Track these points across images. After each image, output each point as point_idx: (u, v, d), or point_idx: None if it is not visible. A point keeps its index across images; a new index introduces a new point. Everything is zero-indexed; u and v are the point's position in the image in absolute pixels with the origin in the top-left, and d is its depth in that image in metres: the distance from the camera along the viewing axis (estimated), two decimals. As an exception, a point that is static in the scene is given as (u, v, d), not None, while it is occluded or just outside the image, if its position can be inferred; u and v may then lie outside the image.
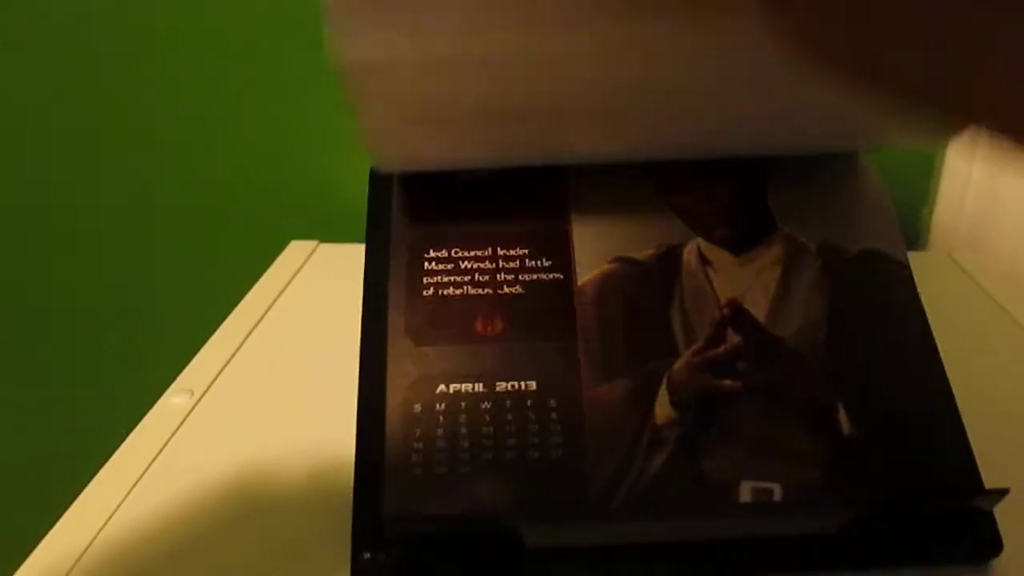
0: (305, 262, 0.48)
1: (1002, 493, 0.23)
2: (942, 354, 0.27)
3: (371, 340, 0.26)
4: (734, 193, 0.28)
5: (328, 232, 0.52)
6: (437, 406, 0.25)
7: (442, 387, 0.25)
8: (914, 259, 0.29)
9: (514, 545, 0.24)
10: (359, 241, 0.28)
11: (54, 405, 0.66)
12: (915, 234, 0.54)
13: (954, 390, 0.26)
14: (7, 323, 0.63)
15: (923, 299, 0.28)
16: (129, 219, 0.58)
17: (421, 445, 0.24)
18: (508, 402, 0.25)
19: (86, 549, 0.26)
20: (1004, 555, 0.25)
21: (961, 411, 0.26)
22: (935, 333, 0.27)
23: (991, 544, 0.25)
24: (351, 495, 0.24)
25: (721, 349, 0.26)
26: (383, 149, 0.25)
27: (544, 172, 0.28)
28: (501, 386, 0.25)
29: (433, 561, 0.24)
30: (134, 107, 0.55)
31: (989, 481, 0.25)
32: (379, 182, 0.29)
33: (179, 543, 0.27)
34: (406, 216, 0.28)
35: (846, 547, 0.25)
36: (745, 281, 0.27)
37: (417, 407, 0.25)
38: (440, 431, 0.25)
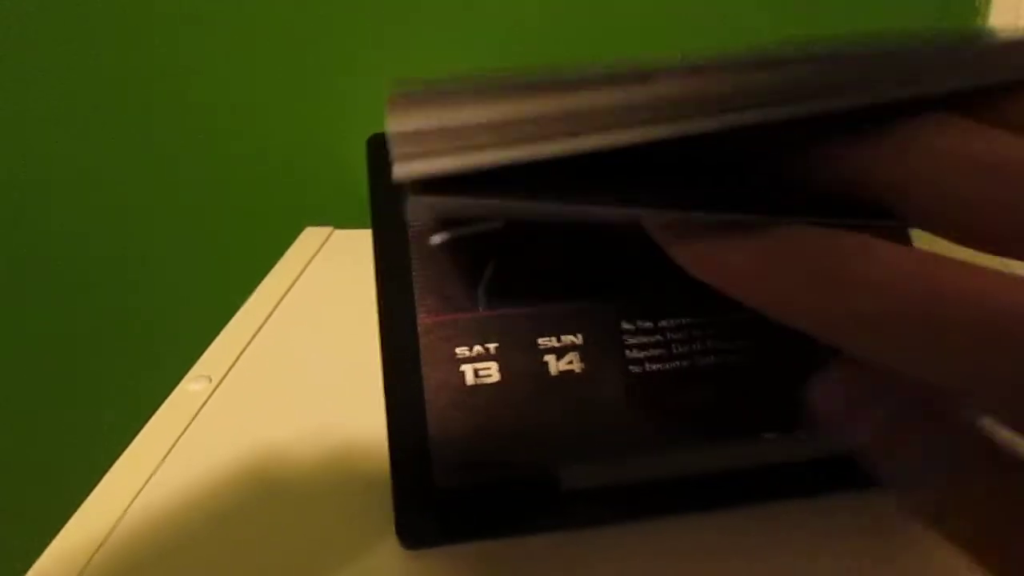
0: (320, 248, 0.48)
1: None
2: None
3: (396, 305, 0.26)
4: None
5: (342, 218, 0.52)
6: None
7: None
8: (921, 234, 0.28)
9: (554, 489, 0.25)
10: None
11: (72, 393, 0.66)
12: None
13: None
14: (25, 309, 0.63)
15: None
16: (144, 206, 0.59)
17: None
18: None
19: (107, 536, 0.26)
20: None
21: None
22: None
23: None
24: (376, 474, 0.25)
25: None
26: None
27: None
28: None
29: (475, 514, 0.25)
30: (148, 93, 0.55)
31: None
32: (380, 150, 0.29)
33: (200, 529, 0.27)
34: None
35: (844, 468, 0.25)
36: None
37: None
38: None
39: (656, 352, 0.25)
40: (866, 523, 0.26)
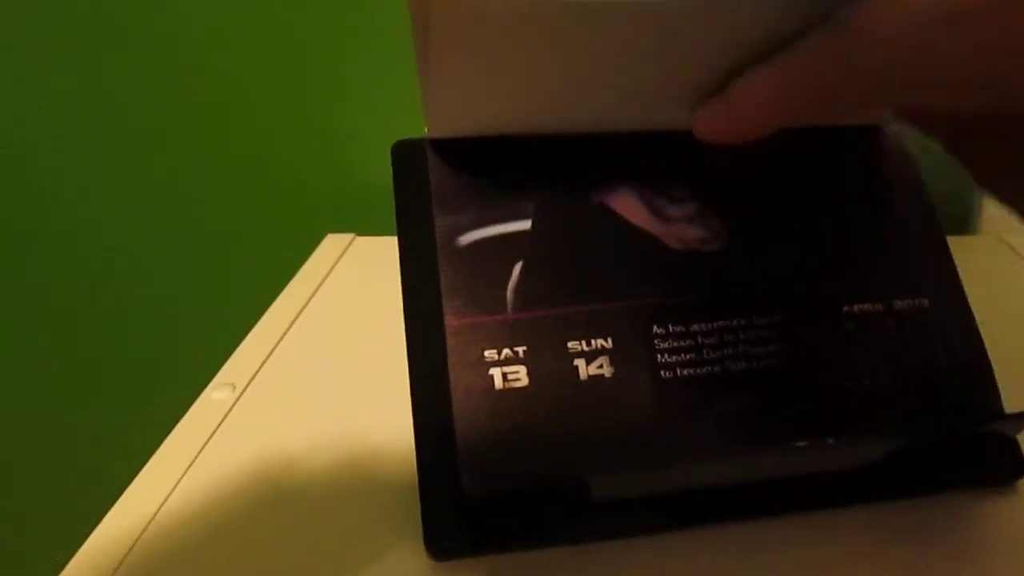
0: (342, 255, 0.48)
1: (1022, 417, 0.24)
2: (992, 339, 0.27)
3: (422, 308, 0.26)
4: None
5: (364, 225, 0.52)
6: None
7: (507, 351, 0.25)
8: (965, 242, 0.29)
9: (583, 499, 0.24)
10: (395, 234, 0.28)
11: (97, 402, 0.67)
12: (965, 217, 0.52)
13: (1004, 375, 0.27)
14: (51, 316, 0.64)
15: (975, 283, 0.28)
16: (168, 213, 0.59)
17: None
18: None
19: (133, 544, 0.26)
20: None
21: (1009, 393, 0.26)
22: (986, 316, 0.27)
23: (1015, 466, 0.27)
24: (403, 483, 0.24)
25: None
26: (445, 101, 0.24)
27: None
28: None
29: (504, 525, 0.25)
30: (170, 103, 0.55)
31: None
32: (404, 156, 0.28)
33: (225, 538, 0.26)
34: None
35: (876, 479, 0.26)
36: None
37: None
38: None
39: (688, 357, 0.25)
40: (901, 535, 0.25)
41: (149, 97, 0.55)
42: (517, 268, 0.26)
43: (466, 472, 0.24)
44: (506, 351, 0.25)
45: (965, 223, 0.52)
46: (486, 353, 0.25)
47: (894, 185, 0.28)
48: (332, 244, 0.50)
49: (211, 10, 0.52)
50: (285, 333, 0.40)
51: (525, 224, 0.26)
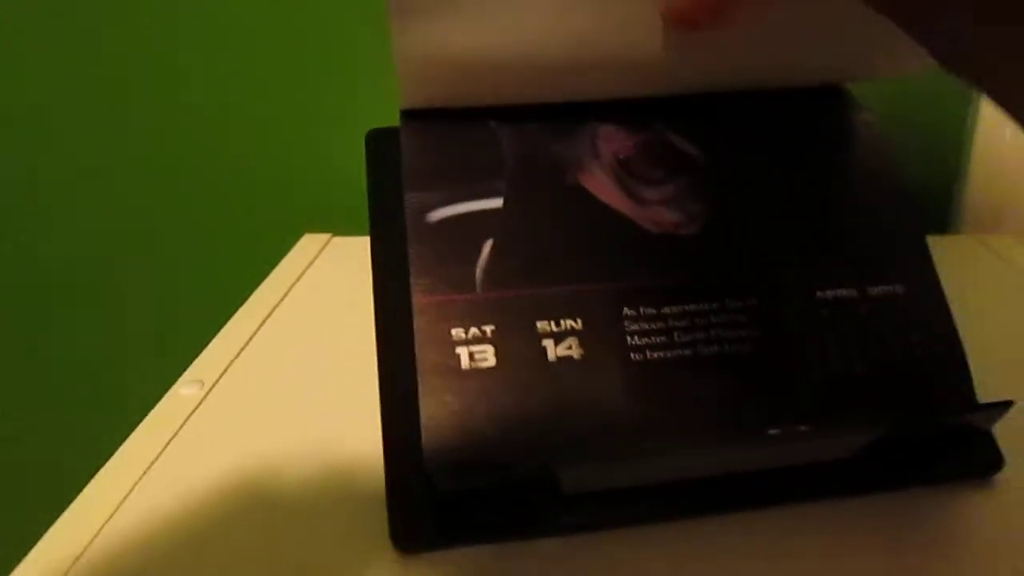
0: (318, 255, 0.48)
1: (1000, 408, 0.23)
2: (972, 342, 0.27)
3: (391, 286, 0.26)
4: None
5: (342, 225, 0.51)
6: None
7: (475, 330, 0.24)
8: (945, 242, 0.28)
9: (554, 490, 0.24)
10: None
11: (62, 396, 0.66)
12: (945, 217, 0.52)
13: (985, 379, 0.26)
14: (17, 312, 0.63)
15: (952, 282, 0.28)
16: (143, 209, 0.58)
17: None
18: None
19: (90, 542, 0.25)
20: (1007, 470, 0.26)
21: (990, 398, 0.26)
22: (962, 315, 0.27)
23: (991, 460, 0.26)
24: (372, 482, 0.24)
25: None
26: (418, 67, 0.24)
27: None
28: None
29: (473, 517, 0.24)
30: (145, 97, 0.54)
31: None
32: (378, 144, 0.28)
33: (186, 538, 0.26)
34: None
35: (850, 472, 0.26)
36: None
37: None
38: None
39: (658, 340, 0.24)
40: (873, 531, 0.25)
41: (126, 97, 0.54)
42: (487, 246, 0.25)
43: (431, 460, 0.23)
44: (473, 330, 0.24)
45: (944, 223, 0.52)
46: (453, 332, 0.24)
47: (871, 171, 0.28)
48: (308, 244, 0.49)
49: (188, 10, 0.51)
50: (257, 330, 0.39)
51: (497, 202, 0.26)
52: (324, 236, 0.50)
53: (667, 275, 0.25)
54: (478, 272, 0.25)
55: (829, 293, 0.26)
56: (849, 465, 0.26)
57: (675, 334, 0.25)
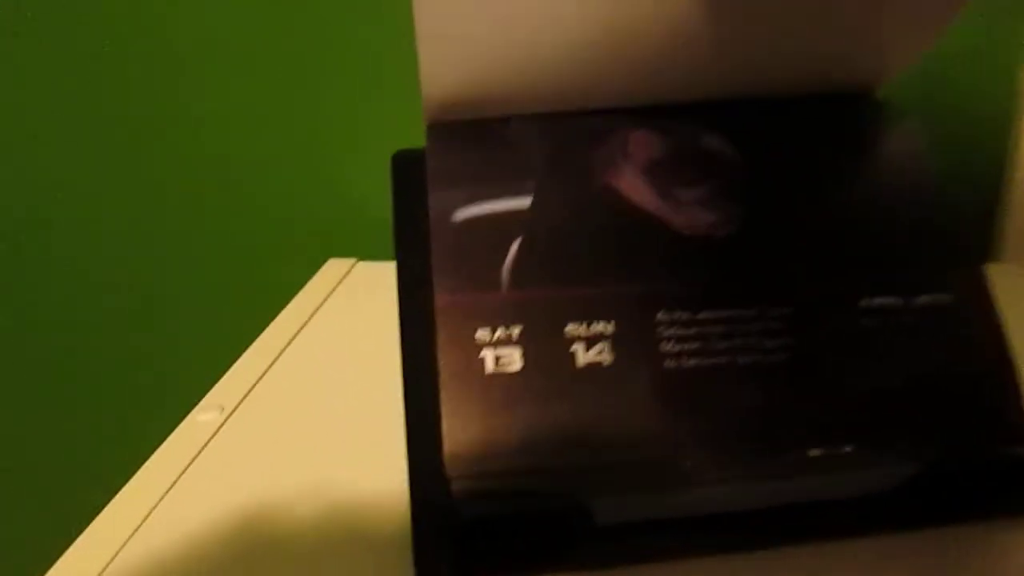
0: (342, 280, 0.47)
1: None
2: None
3: (414, 287, 0.25)
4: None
5: (367, 250, 0.51)
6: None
7: (500, 331, 0.23)
8: (989, 271, 0.26)
9: (584, 522, 0.23)
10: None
11: (80, 420, 0.66)
12: (988, 245, 0.50)
13: None
14: (36, 335, 0.63)
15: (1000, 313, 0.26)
16: (167, 231, 0.58)
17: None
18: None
19: (103, 570, 0.25)
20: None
21: None
22: (1014, 348, 0.25)
23: None
24: (397, 514, 0.23)
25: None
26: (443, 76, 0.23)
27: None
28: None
29: (499, 550, 0.23)
30: (168, 121, 0.55)
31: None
32: (405, 166, 0.28)
33: (201, 569, 0.25)
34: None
35: (885, 506, 0.24)
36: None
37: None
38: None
39: (693, 346, 0.23)
40: (921, 566, 0.23)
41: (147, 120, 0.55)
42: (515, 245, 0.24)
43: (453, 471, 0.22)
44: (500, 331, 0.23)
45: (986, 251, 0.50)
46: (478, 333, 0.23)
47: (915, 178, 0.26)
48: (333, 268, 0.49)
49: (210, 34, 0.52)
50: (278, 356, 0.39)
51: (524, 201, 0.25)
52: (349, 261, 0.50)
53: (703, 278, 0.24)
54: (504, 272, 0.24)
55: (873, 301, 0.24)
56: (889, 497, 0.24)
57: (711, 341, 0.23)
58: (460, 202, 0.25)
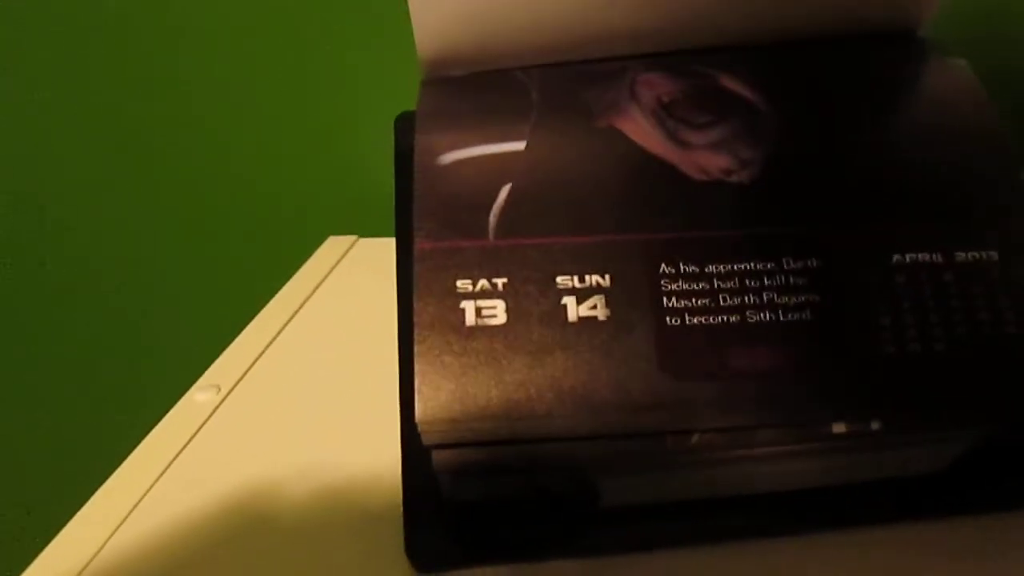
0: (343, 257, 0.47)
1: None
2: None
3: (405, 234, 0.23)
4: None
5: (367, 227, 0.51)
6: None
7: (484, 282, 0.21)
8: None
9: (585, 504, 0.21)
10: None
11: (76, 399, 0.65)
12: None
13: None
14: (32, 316, 0.63)
15: None
16: (166, 210, 0.58)
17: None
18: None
19: (101, 548, 0.24)
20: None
21: None
22: None
23: None
24: (392, 493, 0.21)
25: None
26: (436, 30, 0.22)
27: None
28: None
29: (487, 532, 0.22)
30: (167, 98, 0.54)
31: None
32: (408, 129, 0.26)
33: (196, 547, 0.24)
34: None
35: (927, 490, 0.22)
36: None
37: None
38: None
39: (700, 303, 0.21)
40: (966, 553, 0.21)
41: (148, 98, 0.54)
42: (504, 191, 0.22)
43: (427, 435, 0.20)
44: (483, 282, 0.21)
45: None
46: (459, 283, 0.21)
47: (962, 117, 0.23)
48: (333, 245, 0.48)
49: (210, 11, 0.51)
50: (278, 334, 0.38)
51: (519, 145, 0.23)
52: (350, 238, 0.49)
53: (713, 227, 0.21)
54: (491, 217, 0.21)
55: (907, 256, 0.21)
56: (934, 480, 0.22)
57: (721, 297, 0.21)
58: (448, 145, 0.22)
